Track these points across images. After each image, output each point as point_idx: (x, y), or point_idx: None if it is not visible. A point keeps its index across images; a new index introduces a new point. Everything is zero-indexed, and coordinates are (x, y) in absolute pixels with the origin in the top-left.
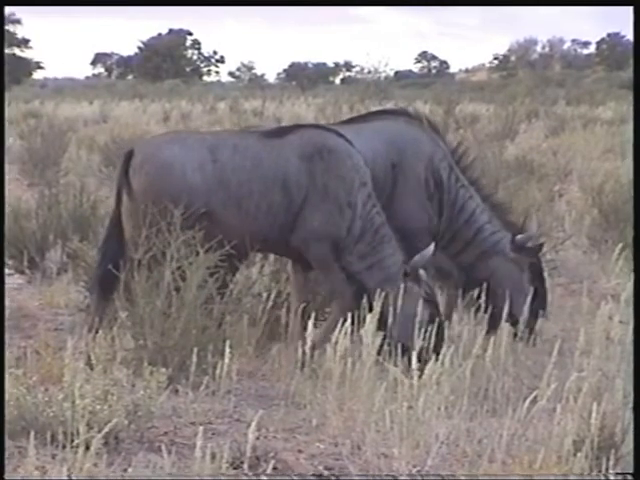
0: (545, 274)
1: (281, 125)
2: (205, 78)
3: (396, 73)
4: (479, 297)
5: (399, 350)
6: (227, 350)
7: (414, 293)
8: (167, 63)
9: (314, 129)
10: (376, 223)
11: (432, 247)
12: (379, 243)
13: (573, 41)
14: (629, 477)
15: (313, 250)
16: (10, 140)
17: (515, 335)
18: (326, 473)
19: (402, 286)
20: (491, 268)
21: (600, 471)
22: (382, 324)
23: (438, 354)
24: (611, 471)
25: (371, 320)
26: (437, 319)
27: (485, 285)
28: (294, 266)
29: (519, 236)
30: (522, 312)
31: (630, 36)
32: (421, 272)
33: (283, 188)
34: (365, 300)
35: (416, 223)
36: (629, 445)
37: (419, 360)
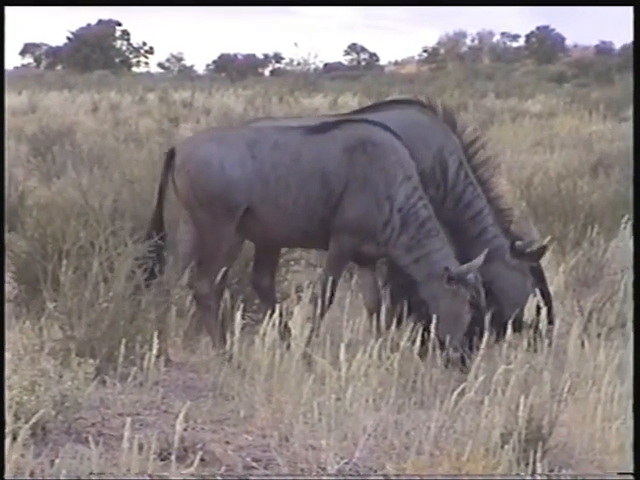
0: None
1: (326, 120)
2: (134, 69)
3: (325, 65)
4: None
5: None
6: (155, 341)
7: (460, 295)
8: (96, 54)
9: (359, 123)
10: (421, 216)
11: (482, 258)
12: (425, 237)
13: (502, 34)
14: (629, 477)
15: (342, 240)
16: None
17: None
18: (254, 465)
19: (447, 287)
20: (492, 273)
21: (527, 464)
22: (421, 318)
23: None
24: (538, 464)
25: (299, 312)
26: (478, 325)
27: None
28: (361, 268)
29: (519, 243)
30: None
31: (559, 30)
32: (470, 276)
33: (322, 182)
34: (294, 292)
35: None
36: (556, 438)
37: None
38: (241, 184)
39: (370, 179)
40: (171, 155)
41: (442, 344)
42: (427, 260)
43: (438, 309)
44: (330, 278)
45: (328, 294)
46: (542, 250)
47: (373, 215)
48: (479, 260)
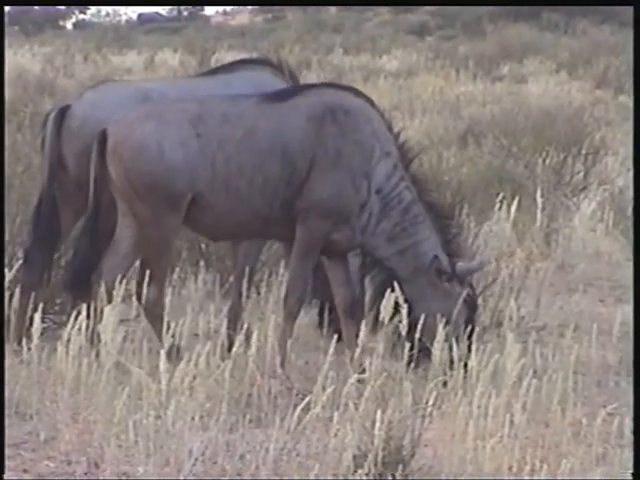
0: None
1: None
2: None
3: (139, 16)
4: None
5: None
6: None
7: (455, 293)
8: None
9: (327, 88)
10: (406, 200)
11: (484, 260)
12: (412, 224)
13: None
14: (629, 477)
15: (312, 224)
16: None
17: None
18: None
19: (439, 284)
20: None
21: None
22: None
23: (466, 365)
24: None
25: (110, 313)
26: (471, 325)
27: None
28: (331, 260)
29: None
30: None
31: None
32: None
33: (283, 158)
34: (103, 288)
35: None
36: (420, 460)
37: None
38: (183, 169)
39: (342, 153)
40: (102, 138)
41: (428, 350)
42: (415, 251)
43: (428, 309)
44: (298, 273)
45: (298, 294)
46: None
47: (348, 195)
48: (484, 260)
